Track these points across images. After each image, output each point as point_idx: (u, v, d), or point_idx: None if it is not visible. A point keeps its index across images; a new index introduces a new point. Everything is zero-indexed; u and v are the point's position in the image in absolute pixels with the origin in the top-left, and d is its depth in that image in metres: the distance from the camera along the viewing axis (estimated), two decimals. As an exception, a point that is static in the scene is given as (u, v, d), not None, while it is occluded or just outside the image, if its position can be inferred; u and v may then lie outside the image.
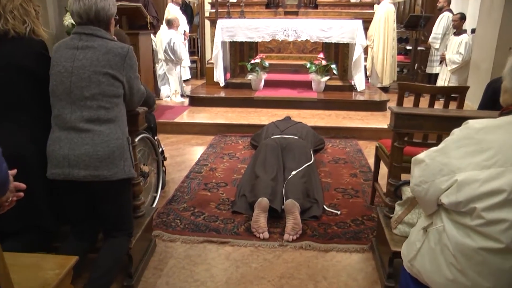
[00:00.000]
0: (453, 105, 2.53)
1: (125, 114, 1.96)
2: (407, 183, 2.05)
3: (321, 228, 2.72)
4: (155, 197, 3.05)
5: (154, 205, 2.99)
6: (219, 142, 4.66)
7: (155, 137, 3.20)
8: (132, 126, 2.13)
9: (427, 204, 1.37)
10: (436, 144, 2.47)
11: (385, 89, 6.91)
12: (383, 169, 3.00)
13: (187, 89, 6.81)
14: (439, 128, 2.07)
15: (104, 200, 1.92)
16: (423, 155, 1.40)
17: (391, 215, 2.23)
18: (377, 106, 5.60)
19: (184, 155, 4.24)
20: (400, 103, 2.41)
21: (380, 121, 5.15)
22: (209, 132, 4.97)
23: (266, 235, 2.60)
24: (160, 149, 3.30)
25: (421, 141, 2.44)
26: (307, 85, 6.19)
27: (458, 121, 1.95)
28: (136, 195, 2.27)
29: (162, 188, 3.34)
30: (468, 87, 2.30)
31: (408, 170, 2.05)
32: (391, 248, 2.03)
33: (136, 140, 2.67)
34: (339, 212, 2.93)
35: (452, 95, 2.49)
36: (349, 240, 2.58)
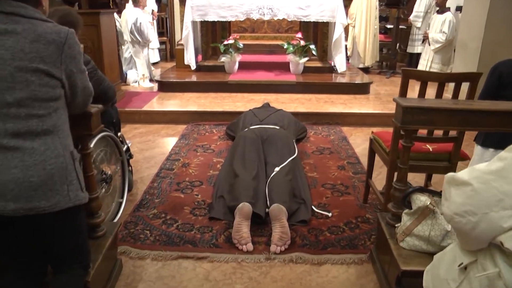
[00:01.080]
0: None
1: (67, 121, 1.53)
2: (418, 190, 1.74)
3: (312, 234, 2.40)
4: (120, 203, 2.65)
5: (119, 213, 2.60)
6: (191, 132, 4.26)
7: (119, 134, 2.78)
8: (84, 130, 1.72)
9: (474, 241, 1.05)
10: (444, 139, 2.18)
11: (365, 70, 6.62)
12: (377, 162, 2.70)
13: (157, 72, 6.32)
14: (455, 123, 1.75)
15: (48, 235, 1.51)
16: (466, 175, 1.06)
17: (395, 224, 1.92)
18: (360, 89, 5.29)
19: (154, 148, 3.83)
20: (403, 92, 2.07)
21: (364, 104, 4.86)
22: (180, 120, 4.56)
23: (250, 247, 2.26)
24: (125, 147, 2.89)
25: (425, 136, 2.12)
26: (285, 67, 5.82)
27: (481, 115, 1.65)
28: (94, 211, 1.88)
29: (129, 190, 2.94)
30: (481, 74, 1.99)
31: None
32: (400, 267, 1.72)
33: (95, 140, 2.27)
34: (330, 214, 2.61)
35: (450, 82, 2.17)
36: (345, 249, 2.27)
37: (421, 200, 1.71)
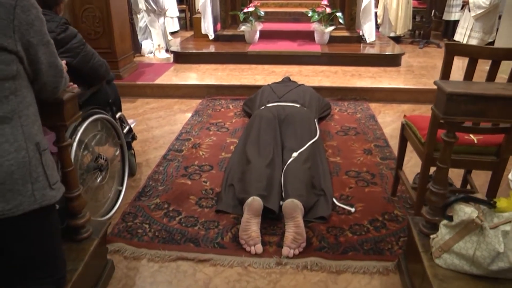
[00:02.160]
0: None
1: (33, 104, 1.26)
2: (463, 199, 1.40)
3: (331, 234, 2.10)
4: (120, 192, 2.41)
5: (118, 202, 2.36)
6: (206, 107, 3.96)
7: (119, 114, 2.51)
8: (57, 119, 1.44)
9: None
10: (493, 129, 1.80)
11: (396, 40, 6.11)
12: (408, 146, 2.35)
13: (175, 42, 5.99)
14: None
15: (9, 243, 1.26)
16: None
17: (430, 233, 1.60)
18: (390, 61, 4.84)
19: (164, 126, 3.56)
20: (446, 73, 1.69)
21: (394, 78, 4.42)
22: (195, 95, 4.26)
23: (259, 248, 1.98)
24: (127, 128, 2.62)
25: (470, 126, 1.75)
26: (309, 36, 5.39)
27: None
28: (76, 211, 1.63)
29: (132, 175, 2.70)
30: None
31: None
32: (435, 290, 1.40)
33: (86, 124, 2.00)
34: (353, 209, 2.30)
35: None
36: (368, 255, 1.96)
37: (466, 212, 1.37)
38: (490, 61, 1.73)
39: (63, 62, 1.68)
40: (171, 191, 2.51)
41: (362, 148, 3.08)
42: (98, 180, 2.20)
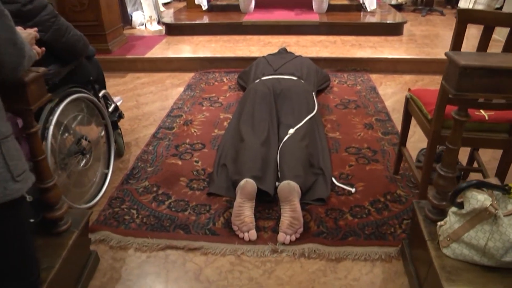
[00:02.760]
0: None
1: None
2: (475, 185, 1.25)
3: (330, 218, 1.97)
4: (106, 175, 2.27)
5: (105, 186, 2.23)
6: (199, 81, 3.78)
7: (102, 92, 2.34)
8: (21, 104, 1.28)
9: None
10: (506, 105, 1.65)
11: (398, 7, 5.85)
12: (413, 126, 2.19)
13: (168, 13, 5.72)
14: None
15: None
16: None
17: (437, 219, 1.47)
18: (392, 30, 4.62)
19: (155, 102, 3.39)
20: (458, 44, 1.51)
21: (396, 48, 4.22)
22: (188, 68, 4.07)
23: (253, 235, 1.85)
24: (112, 106, 2.46)
25: (483, 101, 1.59)
26: (307, 4, 5.14)
27: None
28: (52, 203, 1.49)
29: (120, 155, 2.56)
30: None
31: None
32: (443, 284, 1.28)
33: (63, 105, 1.85)
34: (353, 190, 2.16)
35: None
36: (370, 240, 1.83)
37: (479, 199, 1.24)
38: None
39: (31, 34, 1.50)
40: (161, 173, 2.37)
41: (362, 122, 2.93)
42: (82, 164, 2.06)
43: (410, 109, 2.02)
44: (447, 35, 4.52)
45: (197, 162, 2.47)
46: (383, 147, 2.59)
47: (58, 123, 1.88)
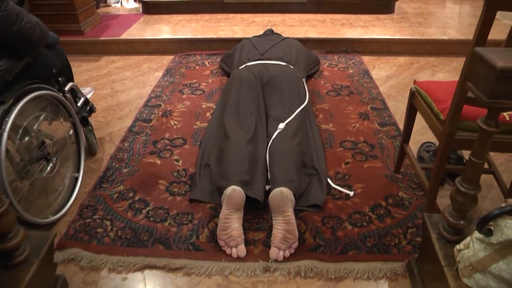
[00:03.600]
0: None
1: None
2: (509, 212, 1.05)
3: (327, 227, 1.77)
4: (76, 179, 2.02)
5: (75, 192, 1.98)
6: (179, 65, 3.50)
7: (69, 85, 2.06)
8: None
9: None
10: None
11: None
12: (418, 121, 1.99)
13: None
14: None
15: None
16: None
17: (454, 240, 1.28)
18: (383, 7, 4.36)
19: (131, 89, 3.11)
20: (483, 37, 1.27)
21: (389, 28, 3.97)
22: (167, 50, 3.78)
23: (242, 250, 1.64)
24: (81, 100, 2.18)
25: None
26: (293, -22, 4.82)
27: None
28: (4, 232, 1.24)
29: (93, 154, 2.31)
30: None
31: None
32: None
33: (22, 103, 1.58)
34: (351, 193, 1.96)
35: None
36: (372, 254, 1.64)
37: (514, 229, 1.04)
38: None
39: None
40: (137, 174, 2.13)
41: (357, 111, 2.71)
42: (46, 171, 1.80)
43: (416, 104, 1.80)
44: (440, 13, 4.30)
45: (177, 161, 2.24)
46: (380, 140, 2.39)
47: (15, 127, 1.61)
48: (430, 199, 1.64)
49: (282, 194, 1.68)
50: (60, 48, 2.02)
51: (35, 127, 1.73)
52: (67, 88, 1.99)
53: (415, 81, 1.81)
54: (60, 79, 1.91)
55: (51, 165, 1.82)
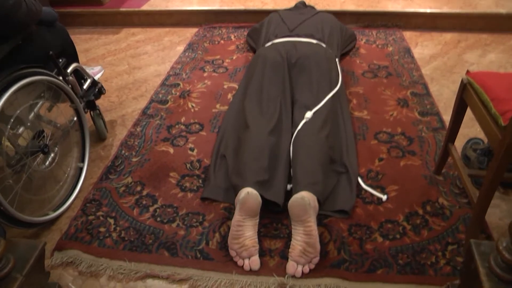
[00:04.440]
0: None
1: None
2: None
3: (355, 238, 1.55)
4: (81, 169, 1.87)
5: (79, 184, 1.83)
6: (202, 39, 3.26)
7: (73, 66, 1.87)
8: None
9: None
10: None
11: None
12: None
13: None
14: None
15: None
16: None
17: (510, 280, 1.04)
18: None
19: (149, 66, 2.91)
20: None
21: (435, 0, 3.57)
22: (191, 22, 3.54)
23: (256, 263, 1.45)
24: (88, 82, 2.00)
25: None
26: None
27: None
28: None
29: (102, 139, 2.14)
30: None
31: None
32: None
33: (10, 91, 1.41)
34: (384, 198, 1.72)
35: None
36: (404, 274, 1.42)
37: None
38: None
39: None
40: (148, 165, 1.96)
41: (395, 97, 2.42)
42: (46, 164, 1.65)
43: (468, 100, 1.52)
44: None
45: (192, 150, 2.05)
46: (420, 133, 2.11)
47: (5, 117, 1.45)
48: (477, 215, 1.38)
49: (303, 201, 1.46)
50: (60, 26, 1.82)
51: (30, 116, 1.57)
52: (69, 70, 1.80)
53: (468, 72, 1.52)
54: (60, 60, 1.72)
55: (51, 156, 1.66)
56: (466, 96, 1.51)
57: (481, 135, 2.13)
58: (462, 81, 1.53)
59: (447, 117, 2.23)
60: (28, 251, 1.23)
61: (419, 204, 1.69)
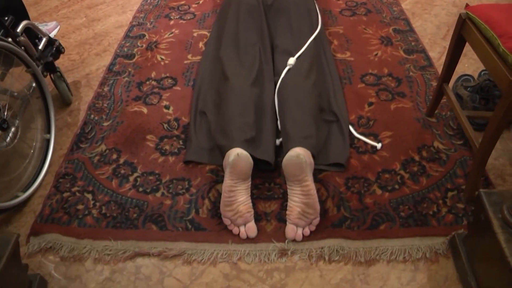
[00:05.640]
0: None
1: None
2: None
3: (353, 193, 1.48)
4: (48, 141, 1.69)
5: (48, 157, 1.66)
6: (164, -18, 2.96)
7: (23, 24, 1.62)
8: None
9: None
10: None
11: None
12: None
13: None
14: None
15: None
16: None
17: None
18: None
19: (109, 16, 2.63)
20: None
21: None
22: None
23: (252, 230, 1.36)
24: (43, 41, 1.77)
25: None
26: None
27: None
28: None
29: (68, 103, 1.95)
30: None
31: None
32: None
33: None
34: (379, 145, 1.64)
35: None
36: (407, 227, 1.36)
37: None
38: None
39: None
40: (121, 128, 1.79)
41: (378, 35, 2.29)
42: (7, 141, 1.46)
43: (468, 37, 1.40)
44: None
45: (167, 107, 1.88)
46: (408, 72, 2.01)
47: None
48: (480, 160, 1.31)
49: (299, 159, 1.35)
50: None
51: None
52: (19, 29, 1.56)
53: (467, 5, 1.39)
54: (6, 18, 1.48)
55: (11, 131, 1.48)
56: (466, 33, 1.39)
57: (469, 70, 2.05)
58: (460, 16, 1.40)
59: (433, 54, 2.13)
60: (0, 248, 1.10)
61: (414, 150, 1.61)
